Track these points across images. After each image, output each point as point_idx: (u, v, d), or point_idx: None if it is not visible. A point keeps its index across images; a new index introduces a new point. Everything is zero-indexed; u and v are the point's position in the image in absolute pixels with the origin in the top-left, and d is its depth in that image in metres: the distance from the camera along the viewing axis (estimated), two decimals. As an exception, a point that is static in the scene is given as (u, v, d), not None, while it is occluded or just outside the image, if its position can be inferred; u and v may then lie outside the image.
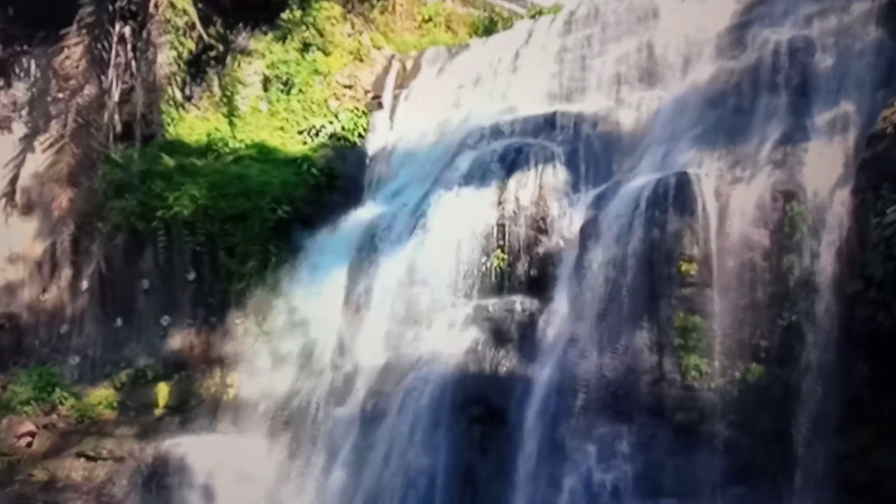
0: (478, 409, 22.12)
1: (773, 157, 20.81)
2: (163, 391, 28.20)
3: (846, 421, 17.99)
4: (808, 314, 18.95)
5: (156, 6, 24.36)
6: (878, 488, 17.69)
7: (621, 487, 20.05)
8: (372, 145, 31.88)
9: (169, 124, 30.92)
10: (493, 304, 23.44)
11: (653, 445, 20.20)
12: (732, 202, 20.85)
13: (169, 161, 29.91)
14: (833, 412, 18.19)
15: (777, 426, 18.72)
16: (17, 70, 27.46)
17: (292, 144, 31.56)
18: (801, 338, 18.93)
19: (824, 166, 19.78)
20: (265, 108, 32.61)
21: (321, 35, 33.44)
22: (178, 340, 28.61)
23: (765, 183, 20.56)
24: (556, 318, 22.41)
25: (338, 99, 32.86)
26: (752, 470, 18.94)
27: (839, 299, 18.60)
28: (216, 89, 31.80)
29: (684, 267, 20.82)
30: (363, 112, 32.87)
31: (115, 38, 25.45)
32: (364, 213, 27.73)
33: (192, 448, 25.30)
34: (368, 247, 26.17)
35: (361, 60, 33.94)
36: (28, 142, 25.51)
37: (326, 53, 33.54)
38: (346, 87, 33.24)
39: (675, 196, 21.38)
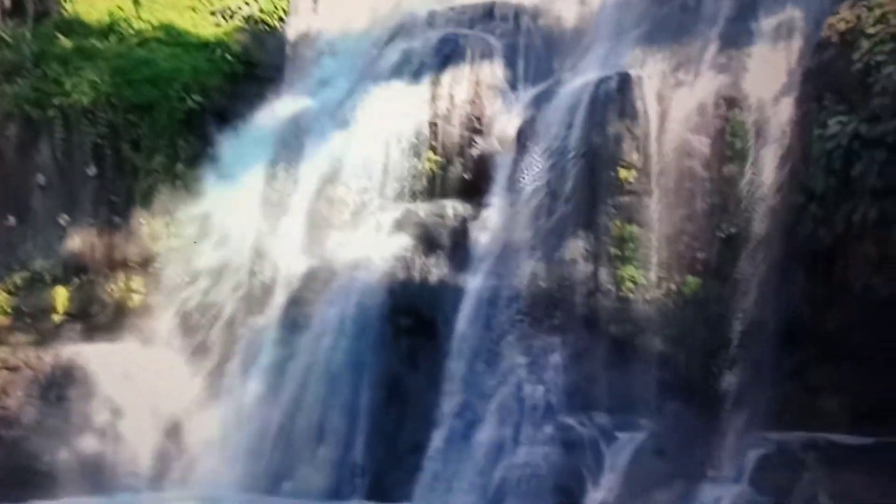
0: (406, 320, 24.17)
1: (717, 60, 23.00)
2: (61, 296, 29.48)
3: (784, 338, 20.33)
4: (747, 227, 21.19)
5: None
6: (816, 407, 20.43)
7: (553, 400, 22.33)
8: (293, 30, 32.47)
9: (66, 0, 31.86)
10: (423, 208, 25.30)
11: (586, 358, 22.58)
12: (674, 107, 23.05)
13: (66, 42, 30.97)
14: (771, 329, 20.49)
15: (714, 341, 21.16)
16: None
17: (204, 27, 32.31)
18: (740, 251, 21.19)
19: (769, 73, 21.93)
20: (173, -17, 31.51)
21: None
22: (78, 241, 29.78)
23: (707, 88, 22.73)
24: (490, 224, 24.40)
25: (256, -25, 31.84)
26: (687, 385, 21.41)
27: (780, 213, 20.81)
28: (117, -40, 30.81)
29: (623, 173, 23.02)
30: (284, -9, 31.72)
31: None
32: (284, 107, 28.96)
33: (94, 357, 26.60)
34: (289, 143, 27.61)
35: (281, -68, 32.82)
36: None
37: (242, -78, 32.37)
38: (264, -39, 32.08)
39: (617, 98, 23.48)
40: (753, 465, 19.98)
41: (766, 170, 21.40)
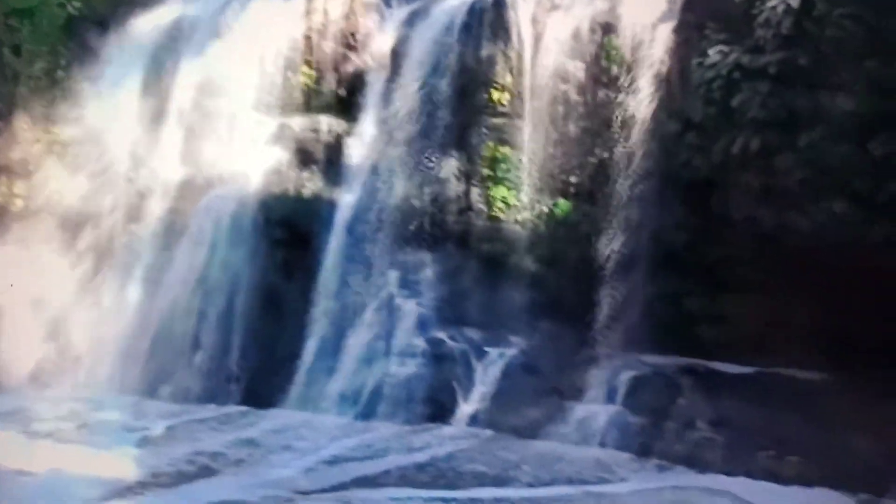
0: (281, 232, 20.94)
1: None
2: (-57, 200, 24.46)
3: (659, 264, 17.91)
4: (621, 153, 18.49)
5: None
6: (690, 333, 17.85)
7: (425, 314, 19.61)
8: (173, -61, 27.16)
9: None
10: (298, 122, 21.79)
11: (458, 275, 19.77)
12: (548, 31, 19.94)
13: (-57, -54, 25.54)
14: (645, 255, 18.08)
15: (585, 264, 18.48)
16: None
17: (85, -69, 26.86)
18: (613, 176, 18.52)
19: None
20: None
21: None
22: (-40, 147, 24.81)
23: (583, 13, 19.69)
24: (364, 140, 21.22)
25: None
26: (558, 305, 18.77)
27: (655, 140, 18.17)
28: None
29: (496, 95, 19.99)
30: None
31: None
32: (162, 16, 24.64)
33: (-25, 260, 22.20)
34: (167, 53, 23.52)
35: None
36: None
37: None
38: None
39: (491, 20, 20.28)
40: (627, 386, 17.61)
41: (641, 97, 18.53)
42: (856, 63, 16.14)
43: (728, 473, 15.61)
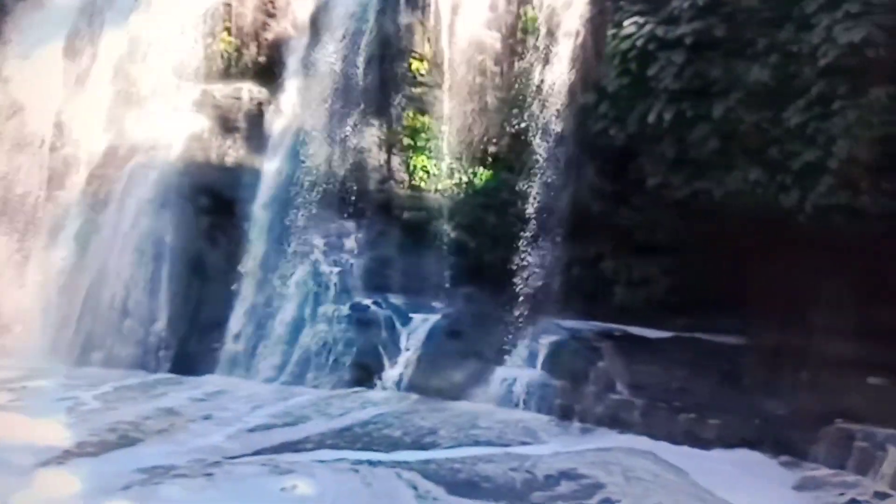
0: (205, 200, 19.31)
1: None
2: None
3: (576, 230, 16.75)
4: (539, 122, 17.21)
5: None
6: (607, 298, 16.91)
7: (349, 281, 18.33)
8: None
9: None
10: (219, 90, 20.06)
11: (381, 242, 18.58)
12: (466, 1, 18.55)
13: None
14: (562, 221, 16.90)
15: (505, 230, 17.32)
16: None
17: None
18: (531, 145, 17.22)
19: None
20: None
21: None
22: None
23: None
24: (286, 108, 19.63)
25: None
26: (479, 271, 17.67)
27: (572, 110, 16.97)
28: None
29: (415, 65, 18.63)
30: None
31: None
32: None
33: None
34: (88, 18, 21.49)
35: None
36: None
37: None
38: None
39: None
40: (547, 350, 16.45)
41: (557, 68, 17.26)
42: (771, 33, 14.89)
43: (649, 436, 14.59)
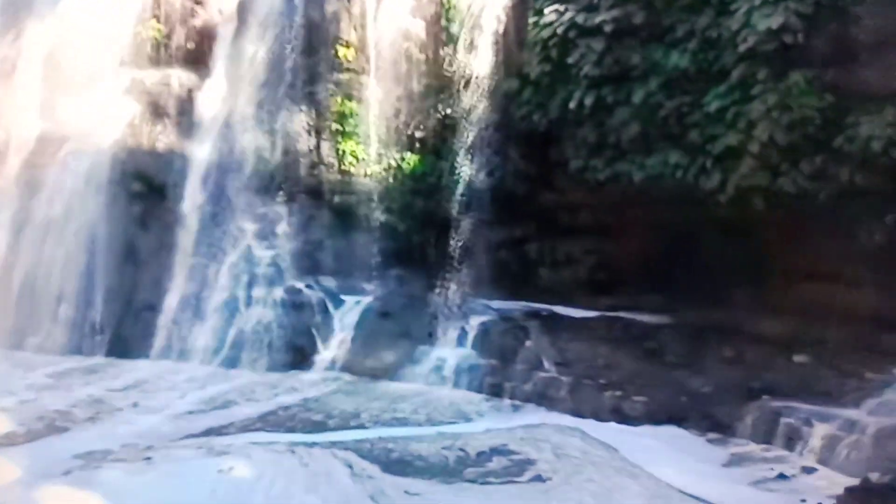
0: (137, 185, 17.45)
1: None
2: None
3: (501, 213, 15.51)
4: (464, 108, 15.89)
5: None
6: (532, 277, 15.68)
7: (281, 265, 16.65)
8: None
9: None
10: (149, 76, 18.14)
11: (312, 226, 16.90)
12: None
13: None
14: (489, 204, 15.59)
15: (433, 213, 16.05)
16: None
17: None
18: (457, 130, 15.95)
19: None
20: None
21: None
22: None
23: None
24: (215, 94, 17.76)
25: None
26: (410, 254, 16.33)
27: (495, 96, 15.67)
28: None
29: (342, 51, 16.98)
30: None
31: None
32: None
33: None
34: (15, 5, 19.16)
35: None
36: None
37: None
38: None
39: None
40: (477, 330, 15.10)
41: (481, 55, 15.96)
42: (690, 19, 13.68)
43: (577, 412, 13.42)
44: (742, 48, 13.27)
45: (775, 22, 12.92)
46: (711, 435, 12.64)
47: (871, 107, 12.43)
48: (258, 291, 16.38)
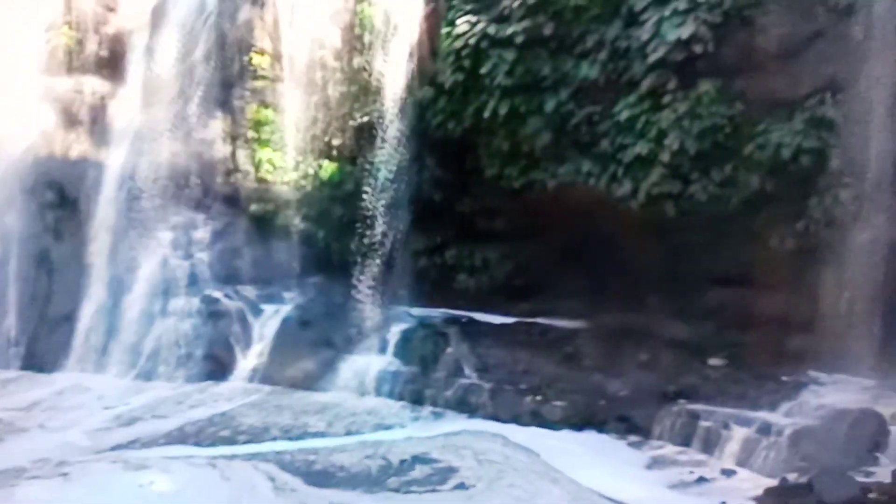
0: (51, 194, 15.70)
1: None
2: None
3: (419, 220, 14.32)
4: (380, 116, 14.56)
5: None
6: (451, 283, 14.58)
7: (199, 274, 15.10)
8: None
9: None
10: (61, 83, 16.30)
11: (229, 234, 15.39)
12: None
13: None
14: (407, 211, 14.36)
15: (352, 221, 14.61)
16: None
17: None
18: (374, 138, 14.57)
19: None
20: None
21: None
22: None
23: None
24: (129, 102, 16.06)
25: None
26: (327, 260, 14.92)
27: (411, 104, 14.44)
28: None
29: (256, 59, 15.52)
30: None
31: None
32: None
33: None
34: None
35: None
36: None
37: None
38: None
39: None
40: (397, 338, 13.84)
41: (395, 64, 14.69)
42: (599, 30, 12.60)
43: (498, 418, 12.39)
44: (651, 58, 12.39)
45: (685, 32, 12.02)
46: (631, 438, 11.76)
47: (780, 114, 11.57)
48: (175, 301, 14.88)
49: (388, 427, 12.38)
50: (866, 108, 10.92)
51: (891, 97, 10.76)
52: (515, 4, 13.21)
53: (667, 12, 12.23)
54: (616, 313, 12.82)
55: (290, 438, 11.92)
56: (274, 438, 11.91)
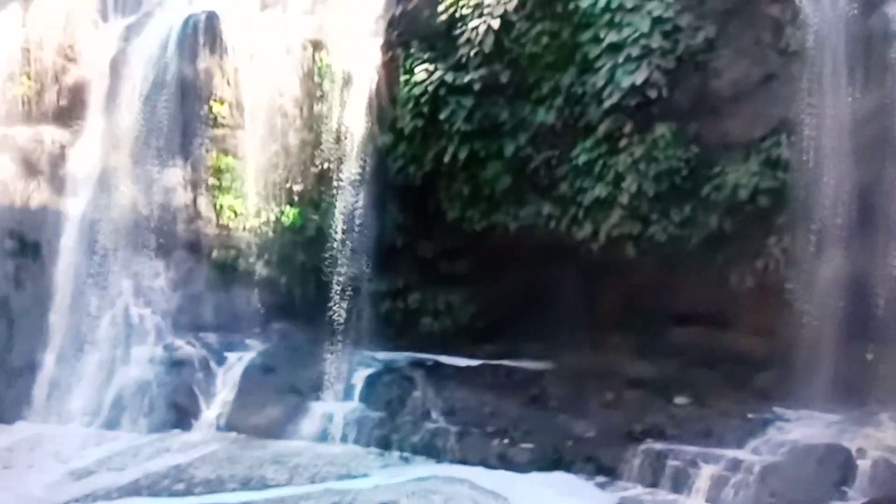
0: (11, 242, 14.58)
1: (304, 4, 15.00)
2: None
3: (383, 264, 13.52)
4: (340, 162, 13.75)
5: None
6: (415, 327, 13.68)
7: (161, 322, 14.05)
8: None
9: None
10: (21, 133, 15.21)
11: (192, 282, 14.37)
12: (263, 47, 14.66)
13: None
14: (370, 255, 13.50)
15: (314, 266, 13.72)
16: None
17: None
18: (335, 184, 13.76)
19: (355, 18, 14.29)
20: None
21: None
22: None
23: (294, 30, 14.61)
24: (89, 150, 15.00)
25: None
26: (292, 307, 14.03)
27: (371, 150, 13.65)
28: None
29: (216, 108, 14.63)
30: None
31: None
32: None
33: None
34: None
35: None
36: None
37: None
38: None
39: (205, 35, 14.75)
40: (363, 383, 12.94)
41: (355, 111, 13.91)
42: (555, 77, 12.03)
43: (466, 462, 11.57)
44: (607, 103, 11.88)
45: (639, 78, 11.49)
46: (599, 479, 11.01)
47: (736, 156, 11.03)
48: (137, 350, 13.91)
49: (355, 474, 11.42)
50: (820, 148, 10.40)
51: (843, 136, 10.25)
52: (472, 53, 12.61)
53: (620, 59, 11.71)
54: (580, 354, 12.15)
55: (254, 488, 10.92)
56: (238, 488, 10.91)
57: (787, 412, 10.82)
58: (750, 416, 10.81)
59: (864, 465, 9.66)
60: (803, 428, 10.53)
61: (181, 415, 13.32)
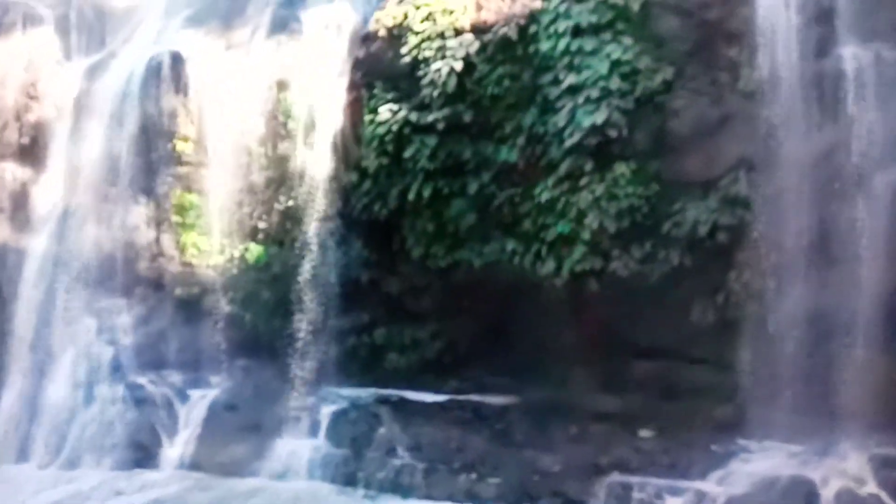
0: (-31, 282, 13.88)
1: (268, 45, 14.07)
2: None
3: (348, 300, 12.71)
4: (305, 200, 13.03)
5: None
6: (381, 363, 12.79)
7: (123, 360, 13.13)
8: None
9: None
10: (-20, 170, 14.79)
11: (154, 320, 13.48)
12: (227, 86, 13.92)
13: None
14: (335, 291, 12.73)
15: (279, 303, 12.95)
16: None
17: None
18: (300, 221, 13.06)
19: (320, 59, 13.59)
20: None
21: None
22: None
23: (259, 70, 13.83)
24: (51, 188, 14.16)
25: None
26: (255, 343, 13.12)
27: (335, 188, 12.95)
28: None
29: (180, 146, 13.85)
30: None
31: None
32: None
33: None
34: None
35: None
36: None
37: None
38: None
39: (169, 74, 13.99)
40: (328, 419, 12.16)
41: (319, 150, 13.23)
42: (516, 117, 11.65)
43: (432, 498, 10.90)
44: (568, 143, 11.45)
45: (598, 118, 11.10)
46: (568, 513, 10.20)
47: (695, 193, 10.63)
48: (99, 389, 13.09)
49: (321, 511, 10.77)
50: (778, 185, 9.97)
51: (800, 173, 9.84)
52: (435, 94, 12.10)
53: (580, 100, 11.34)
54: (545, 388, 11.58)
55: (220, 528, 10.27)
56: (200, 529, 10.24)
57: (750, 444, 10.36)
58: (713, 448, 10.31)
59: (827, 494, 9.33)
60: (767, 459, 10.07)
61: (144, 454, 12.43)
